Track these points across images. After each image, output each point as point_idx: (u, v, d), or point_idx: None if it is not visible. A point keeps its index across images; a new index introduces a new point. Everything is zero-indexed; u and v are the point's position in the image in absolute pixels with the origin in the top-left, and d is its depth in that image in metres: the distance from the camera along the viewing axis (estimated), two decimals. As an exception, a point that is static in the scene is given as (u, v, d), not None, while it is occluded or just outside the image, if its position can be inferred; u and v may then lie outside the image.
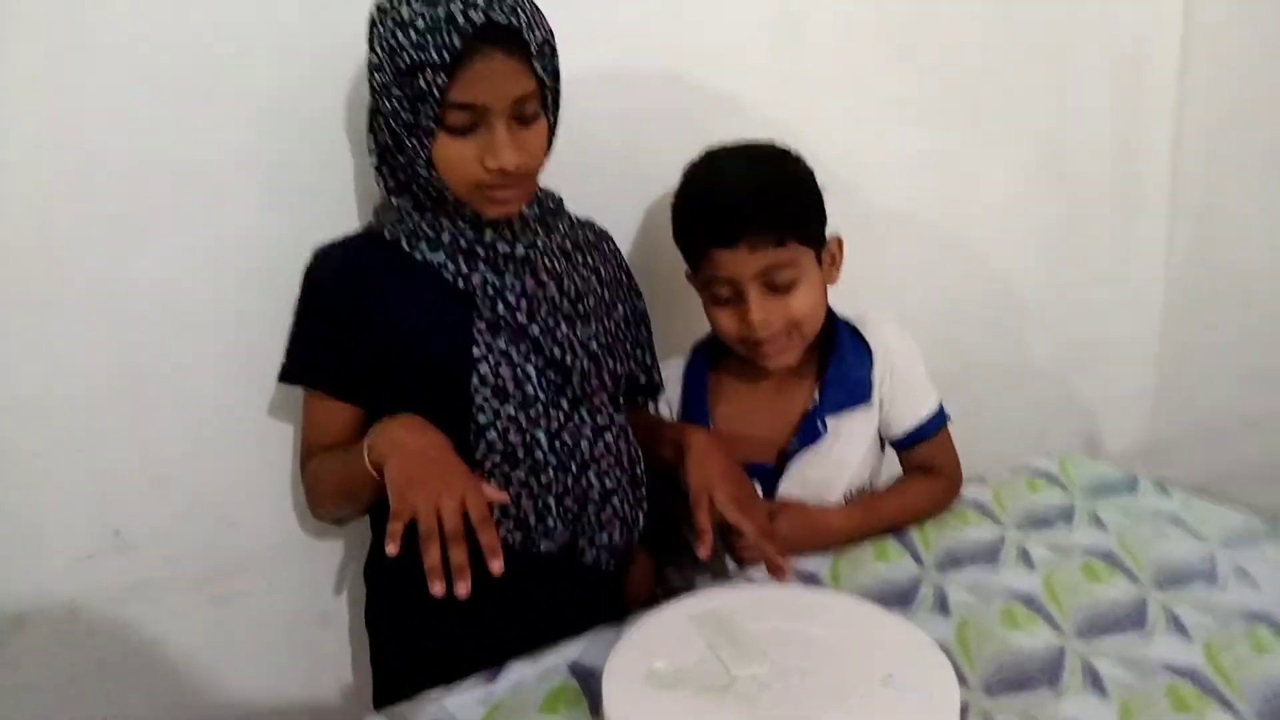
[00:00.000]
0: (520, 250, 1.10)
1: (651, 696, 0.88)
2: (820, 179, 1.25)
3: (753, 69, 1.52)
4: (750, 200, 1.19)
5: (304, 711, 1.25)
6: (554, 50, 1.07)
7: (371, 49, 1.04)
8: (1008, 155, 1.90)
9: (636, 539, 1.18)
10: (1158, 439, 2.22)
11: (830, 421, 1.28)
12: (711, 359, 1.35)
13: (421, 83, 0.99)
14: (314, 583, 1.28)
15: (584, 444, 1.12)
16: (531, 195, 1.13)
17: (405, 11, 0.99)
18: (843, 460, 1.30)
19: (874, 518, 1.28)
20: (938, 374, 1.36)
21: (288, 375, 1.12)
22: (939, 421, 1.35)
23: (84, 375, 1.10)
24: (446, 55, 0.98)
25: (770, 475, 1.29)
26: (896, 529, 1.29)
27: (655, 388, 1.31)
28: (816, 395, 1.29)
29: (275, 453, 1.21)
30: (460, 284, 1.08)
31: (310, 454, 1.13)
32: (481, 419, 1.07)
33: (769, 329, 1.21)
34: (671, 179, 1.27)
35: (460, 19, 0.98)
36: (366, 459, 0.99)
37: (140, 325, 1.12)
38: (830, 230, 1.27)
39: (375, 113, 1.07)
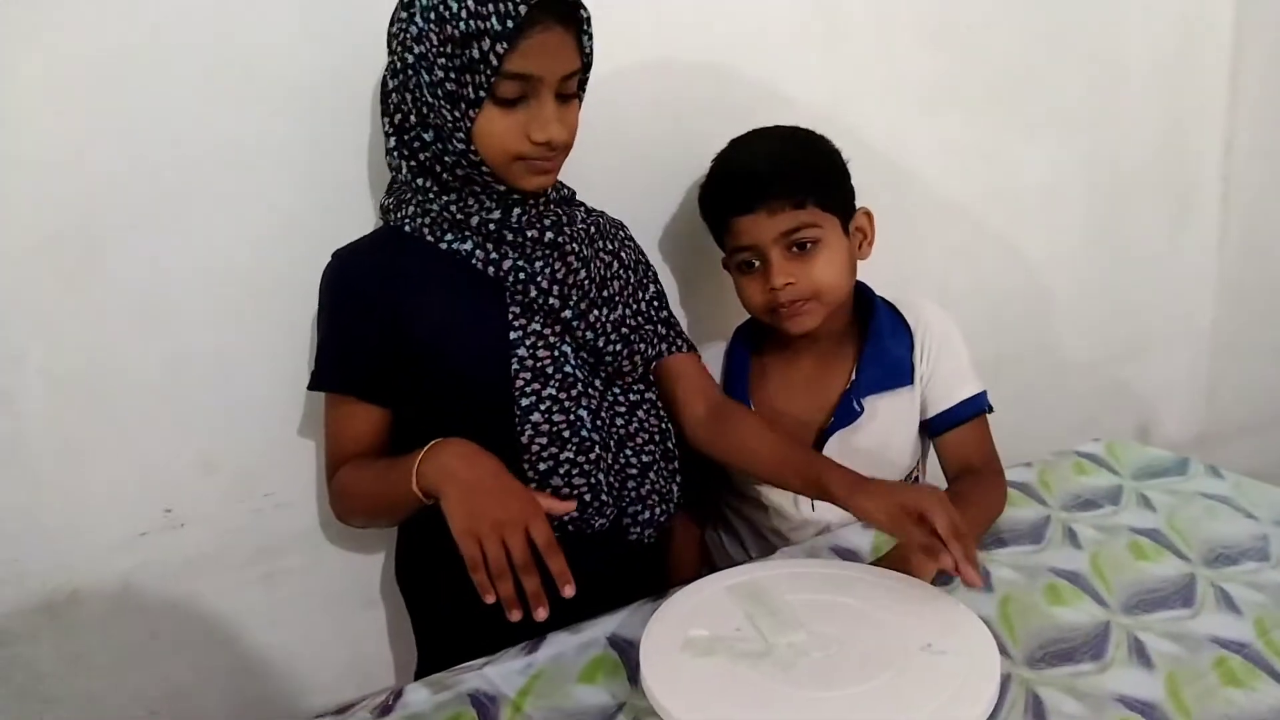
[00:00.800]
0: (549, 235, 1.11)
1: (688, 663, 0.88)
2: (861, 165, 1.26)
3: (790, 57, 1.52)
4: (767, 166, 1.23)
5: (348, 687, 1.27)
6: (592, 39, 1.07)
7: (407, 22, 1.02)
8: (1054, 143, 1.88)
9: (673, 511, 1.18)
10: (1211, 429, 2.18)
11: (867, 402, 1.27)
12: (752, 342, 1.36)
13: (476, 51, 0.98)
14: (359, 561, 1.30)
15: (619, 421, 1.14)
16: (558, 170, 1.12)
17: None
18: (882, 442, 1.29)
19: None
20: (983, 362, 1.34)
21: (318, 383, 1.11)
22: (977, 407, 1.30)
23: (133, 360, 1.13)
24: (510, 23, 0.96)
25: None
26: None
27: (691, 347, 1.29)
28: (853, 375, 1.29)
29: (321, 435, 1.22)
30: (491, 271, 1.08)
31: (339, 460, 1.12)
32: (525, 402, 1.07)
33: (791, 292, 1.22)
34: (706, 169, 1.29)
35: None
36: (415, 485, 0.98)
37: (186, 311, 1.15)
38: (873, 214, 1.29)
39: (398, 89, 1.06)
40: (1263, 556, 1.13)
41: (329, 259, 1.11)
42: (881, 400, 1.28)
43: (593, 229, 1.19)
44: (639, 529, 1.14)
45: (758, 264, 1.24)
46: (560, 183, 1.19)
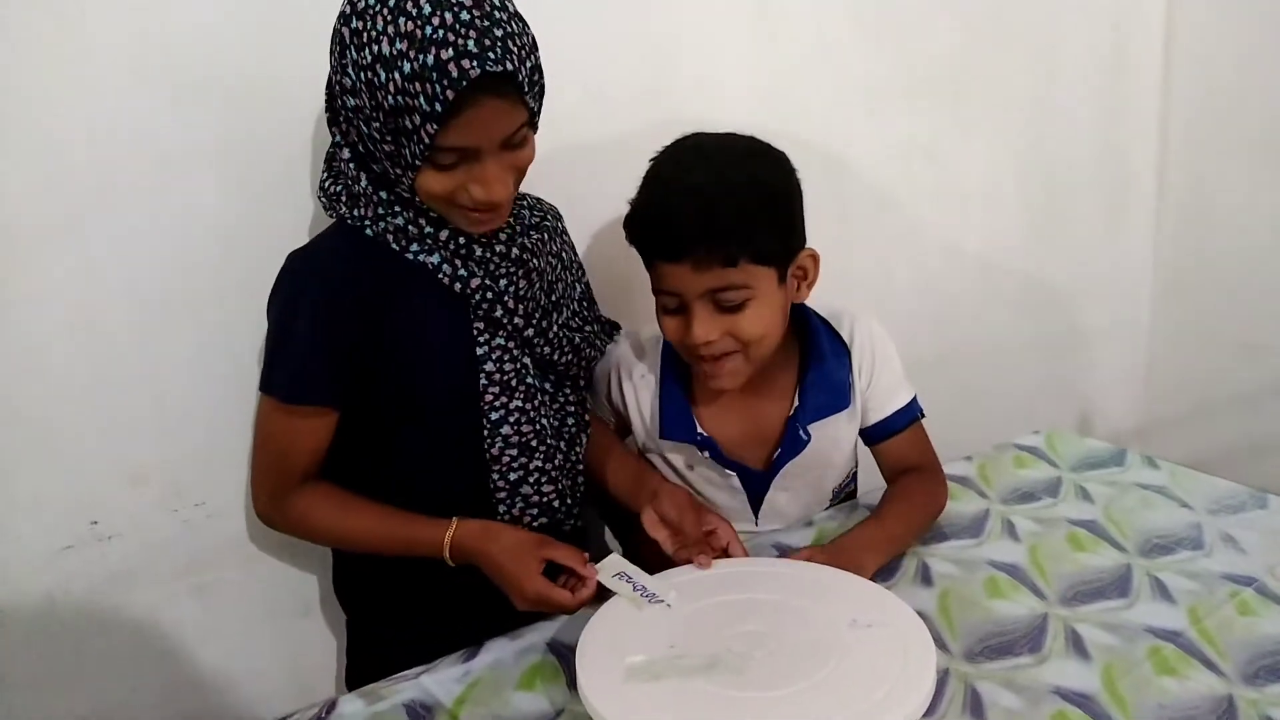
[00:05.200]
0: (514, 251, 1.08)
1: (643, 693, 0.84)
2: (799, 161, 1.15)
3: (727, 48, 1.52)
4: (700, 215, 1.06)
5: (287, 699, 1.24)
6: (541, 73, 1.00)
7: (341, 71, 0.96)
8: (989, 139, 1.89)
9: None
10: (1149, 419, 2.22)
11: (813, 428, 1.22)
12: (684, 370, 1.24)
13: (408, 123, 0.92)
14: (293, 571, 1.27)
15: (570, 421, 1.16)
16: (510, 211, 1.08)
17: (387, 48, 0.90)
18: (824, 461, 1.27)
19: (898, 545, 1.16)
20: (924, 358, 1.34)
21: (285, 393, 1.05)
22: (911, 415, 1.27)
23: (58, 368, 1.09)
24: (438, 106, 0.91)
25: (759, 482, 1.25)
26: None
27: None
28: (796, 400, 1.22)
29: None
30: (458, 288, 1.05)
31: (292, 475, 1.07)
32: (494, 416, 1.07)
33: (711, 348, 1.11)
34: (643, 165, 1.19)
35: (454, 71, 0.90)
36: (448, 556, 1.05)
37: (113, 317, 1.11)
38: (814, 220, 1.17)
39: (346, 118, 1.00)
40: (1197, 545, 1.15)
41: (285, 260, 1.06)
42: (826, 425, 1.23)
43: (544, 234, 1.16)
44: (574, 522, 1.17)
45: (678, 310, 1.12)
46: None
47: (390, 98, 0.91)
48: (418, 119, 0.92)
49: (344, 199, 1.05)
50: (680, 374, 1.24)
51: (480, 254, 1.06)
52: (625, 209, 1.13)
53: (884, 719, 0.79)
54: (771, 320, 1.13)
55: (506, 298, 1.07)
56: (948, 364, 1.60)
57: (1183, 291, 2.16)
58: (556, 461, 1.12)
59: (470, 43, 0.90)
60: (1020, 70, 1.90)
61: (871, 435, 1.28)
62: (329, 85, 1.03)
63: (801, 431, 1.21)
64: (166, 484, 1.17)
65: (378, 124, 0.95)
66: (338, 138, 1.04)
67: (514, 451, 1.09)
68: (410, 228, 1.03)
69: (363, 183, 1.03)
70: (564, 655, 0.98)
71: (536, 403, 1.10)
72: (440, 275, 1.04)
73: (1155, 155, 2.16)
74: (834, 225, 1.25)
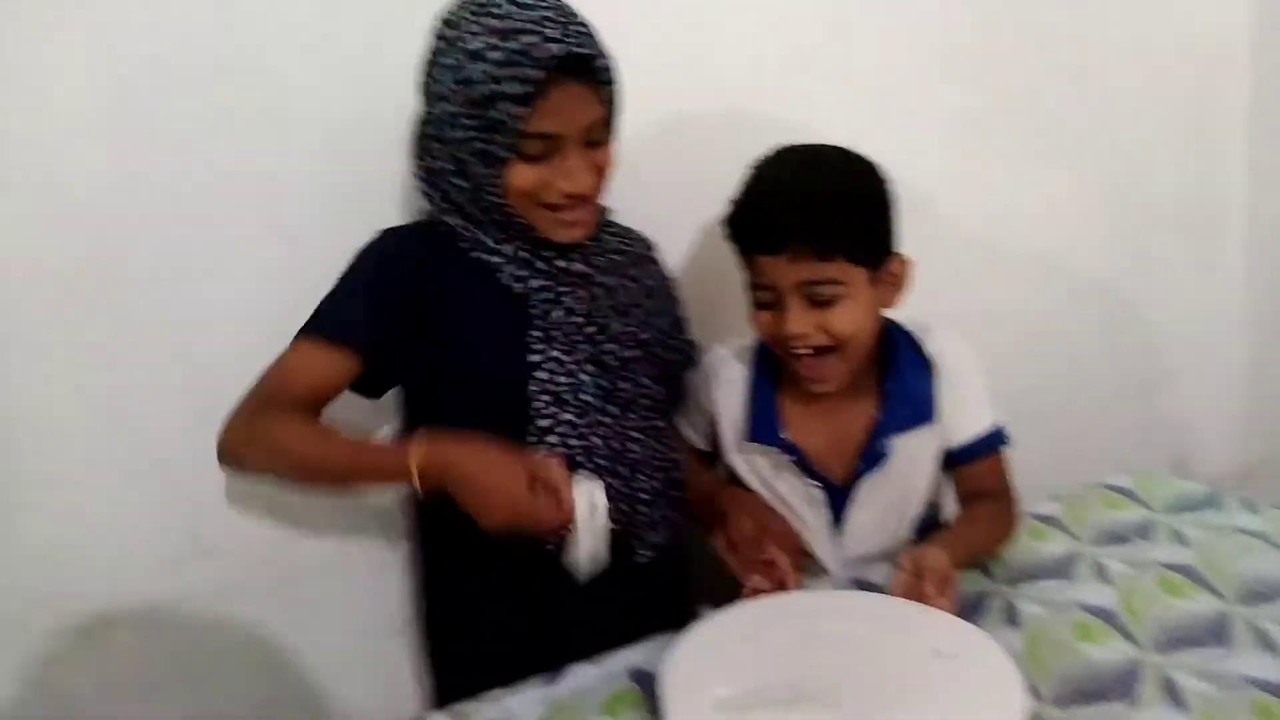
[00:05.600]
0: (578, 266, 1.13)
1: None
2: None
3: (802, 87, 1.53)
4: (797, 209, 1.12)
5: (376, 715, 1.27)
6: (616, 75, 1.08)
7: (433, 77, 1.04)
8: (1075, 172, 1.86)
9: (678, 538, 1.20)
10: (1248, 462, 2.14)
11: (895, 442, 1.22)
12: (772, 375, 1.28)
13: (496, 113, 1.00)
14: (386, 590, 1.30)
15: (633, 446, 1.15)
16: (597, 220, 1.14)
17: (476, 43, 0.99)
18: (906, 481, 1.25)
19: (968, 558, 1.17)
20: (1008, 392, 1.32)
21: (313, 328, 1.07)
22: (996, 441, 1.26)
23: (162, 393, 1.15)
24: (528, 87, 0.99)
25: (840, 497, 1.25)
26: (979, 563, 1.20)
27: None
28: (877, 414, 1.24)
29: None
30: (518, 289, 1.09)
31: (278, 402, 1.05)
32: (542, 423, 1.08)
33: (805, 341, 1.15)
34: (716, 187, 1.22)
35: (539, 54, 0.99)
36: (416, 478, 0.99)
37: (215, 344, 1.17)
38: (910, 262, 1.21)
39: (432, 137, 1.08)
40: (1300, 594, 1.11)
41: (376, 234, 1.12)
42: (908, 439, 1.23)
43: (621, 257, 1.20)
44: (645, 552, 1.15)
45: (775, 306, 1.17)
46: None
47: (481, 88, 0.99)
48: (508, 105, 0.99)
49: (434, 195, 1.12)
50: (771, 378, 1.26)
51: (543, 266, 1.10)
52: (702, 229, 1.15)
53: None
54: (863, 320, 1.17)
55: (565, 304, 1.10)
56: (1034, 399, 1.57)
57: (1279, 328, 2.09)
58: (609, 484, 1.08)
59: (553, 29, 1.00)
60: (1101, 104, 1.87)
61: (953, 458, 1.26)
62: (415, 128, 1.11)
63: (883, 445, 1.22)
64: (264, 503, 1.21)
65: (468, 121, 1.01)
66: (418, 170, 1.11)
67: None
68: (484, 239, 1.09)
69: (433, 206, 1.11)
70: (646, 683, 0.99)
71: (589, 420, 1.11)
72: (500, 275, 1.09)
73: (1246, 187, 2.10)
74: (921, 258, 1.25)
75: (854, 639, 0.96)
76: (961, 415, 1.25)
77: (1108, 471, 1.48)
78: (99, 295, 1.11)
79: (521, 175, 1.04)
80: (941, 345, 1.26)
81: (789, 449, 1.23)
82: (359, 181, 1.22)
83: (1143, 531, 1.28)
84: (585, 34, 1.03)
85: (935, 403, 1.24)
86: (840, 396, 1.24)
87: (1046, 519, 1.32)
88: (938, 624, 0.98)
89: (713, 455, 1.33)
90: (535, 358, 1.09)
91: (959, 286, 1.73)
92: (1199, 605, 1.09)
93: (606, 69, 1.06)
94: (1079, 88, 1.83)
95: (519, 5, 1.01)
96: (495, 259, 1.10)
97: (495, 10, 1.00)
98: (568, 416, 1.09)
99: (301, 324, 1.09)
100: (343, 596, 1.27)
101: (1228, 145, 2.06)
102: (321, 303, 1.10)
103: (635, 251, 1.24)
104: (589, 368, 1.12)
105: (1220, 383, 2.15)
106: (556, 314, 1.10)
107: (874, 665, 0.91)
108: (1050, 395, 1.85)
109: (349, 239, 1.18)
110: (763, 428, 1.25)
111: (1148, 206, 1.98)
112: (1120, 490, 1.40)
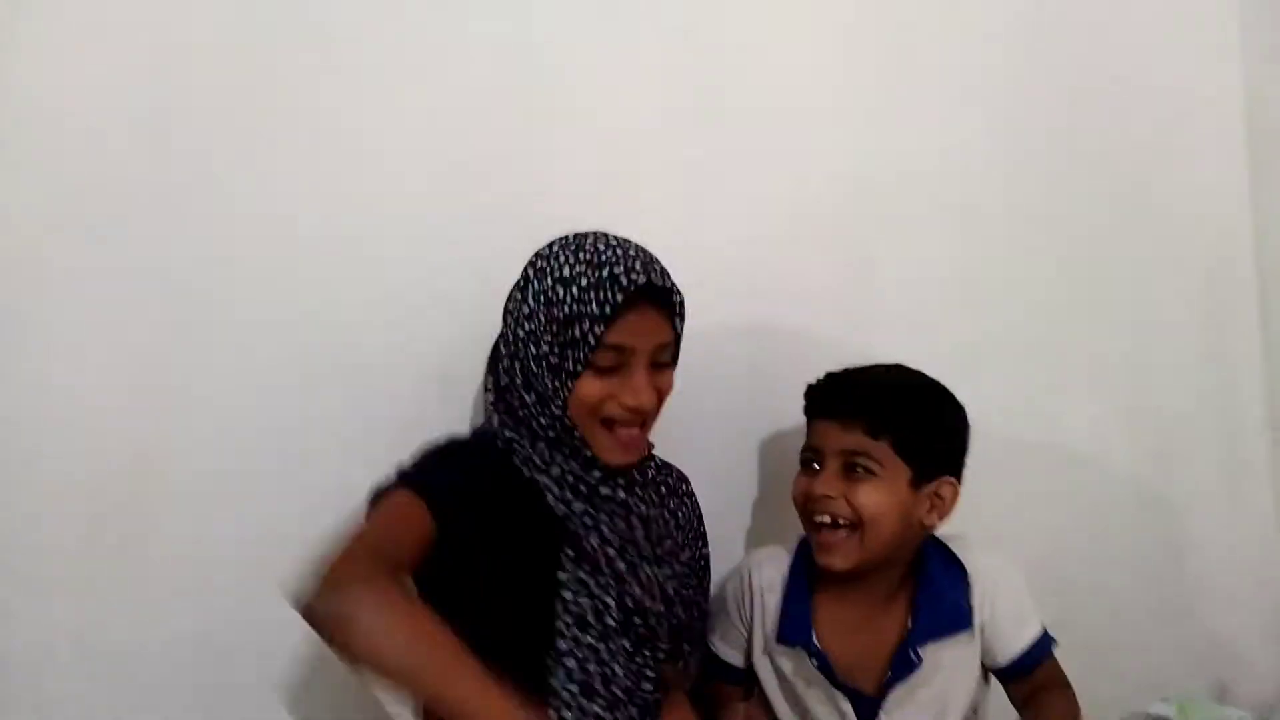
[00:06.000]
0: (620, 494, 1.16)
1: None
2: None
3: (818, 319, 1.59)
4: (865, 387, 1.26)
5: None
6: (684, 318, 1.19)
7: (522, 300, 1.15)
8: (1094, 396, 1.89)
9: None
10: (1294, 685, 2.04)
11: (926, 651, 1.23)
12: (810, 579, 1.31)
13: (577, 331, 1.10)
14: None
15: (645, 685, 1.13)
16: (646, 448, 1.19)
17: (568, 271, 1.12)
18: (943, 692, 1.26)
19: None
20: (1045, 618, 1.33)
21: (418, 482, 1.07)
22: (1047, 644, 1.32)
23: (167, 635, 1.16)
24: (609, 309, 1.09)
25: (871, 709, 1.26)
26: None
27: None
28: (909, 622, 1.26)
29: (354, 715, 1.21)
30: (560, 509, 1.11)
31: (382, 559, 0.96)
32: (562, 645, 1.08)
33: (828, 506, 1.23)
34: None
35: (624, 280, 1.10)
36: None
37: (226, 589, 1.18)
38: (958, 490, 1.30)
39: (509, 356, 1.17)
40: (1360, 830, 1.04)
41: (443, 439, 1.16)
42: (943, 649, 1.26)
43: (662, 488, 1.25)
44: None
45: (815, 468, 1.26)
46: None
47: (565, 308, 1.10)
48: (588, 324, 1.09)
49: (494, 413, 1.18)
50: (809, 582, 1.30)
51: (586, 491, 1.13)
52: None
53: None
54: (888, 509, 1.22)
55: (603, 528, 1.12)
56: (1066, 626, 1.53)
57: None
58: (618, 715, 1.08)
59: (638, 264, 1.12)
60: (1115, 328, 1.92)
61: (1009, 672, 1.31)
62: (494, 350, 1.21)
63: (914, 653, 1.23)
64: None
65: (549, 338, 1.11)
66: (489, 384, 1.19)
67: (574, 688, 1.06)
68: (534, 460, 1.13)
69: (494, 423, 1.17)
70: None
71: (611, 647, 1.09)
72: (547, 495, 1.11)
73: (1265, 407, 2.11)
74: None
75: None
76: (1011, 628, 1.30)
77: (1146, 698, 1.41)
78: (117, 529, 1.12)
79: (589, 386, 1.12)
80: (977, 556, 1.32)
81: (816, 654, 1.25)
82: (386, 424, 1.25)
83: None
84: (664, 271, 1.16)
85: (972, 611, 1.28)
86: (875, 606, 1.28)
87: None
88: None
89: (744, 676, 1.32)
90: (564, 576, 1.09)
91: (977, 519, 1.73)
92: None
93: (680, 303, 1.17)
94: (1087, 311, 1.88)
95: (609, 245, 1.14)
96: (542, 478, 1.13)
97: (588, 246, 1.13)
98: (589, 640, 1.09)
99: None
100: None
101: (1244, 358, 2.08)
102: (415, 467, 1.12)
103: (669, 484, 1.28)
104: (615, 595, 1.11)
105: (1260, 601, 2.09)
106: (593, 540, 1.11)
107: None
108: (1083, 621, 1.79)
109: (369, 480, 1.20)
110: (793, 629, 1.28)
111: (1168, 428, 1.98)
112: (1161, 719, 1.34)
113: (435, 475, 1.11)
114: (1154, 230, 1.96)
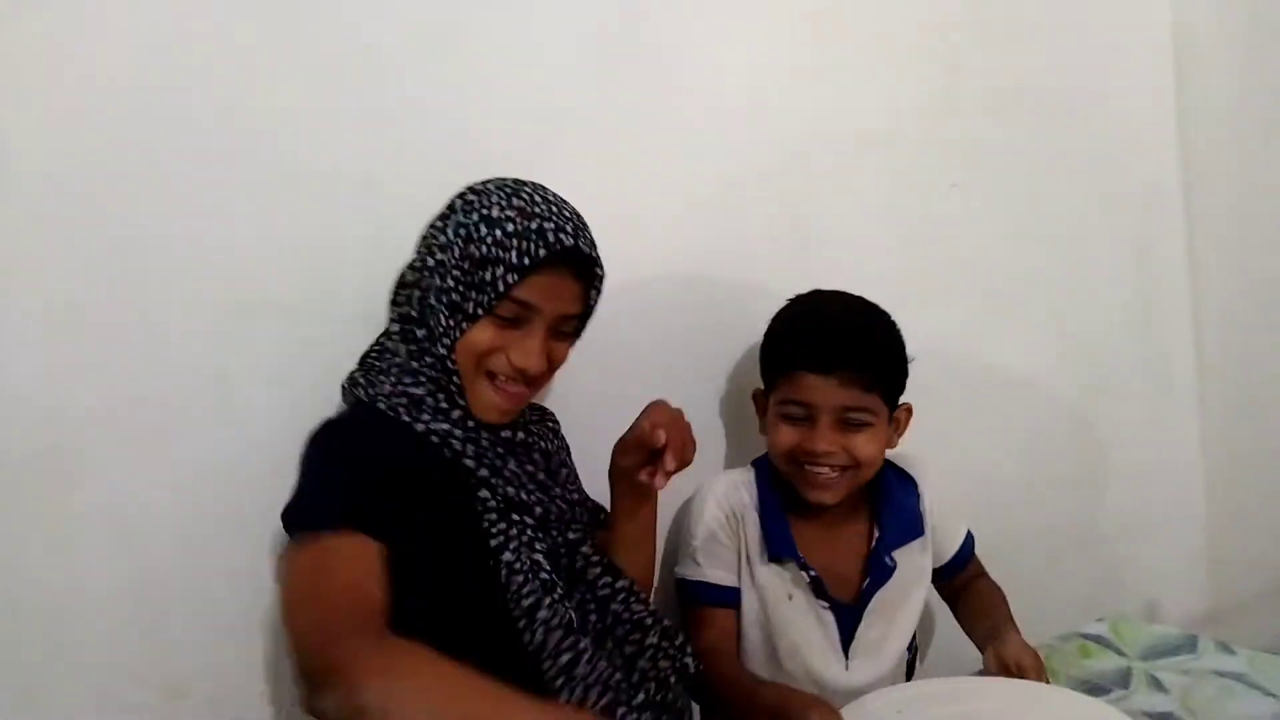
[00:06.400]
0: (519, 435, 1.13)
1: None
2: None
3: (761, 255, 1.57)
4: (858, 339, 1.26)
5: None
6: (599, 295, 1.13)
7: (441, 229, 1.08)
8: (1028, 328, 1.91)
9: (673, 695, 1.14)
10: (1218, 604, 2.12)
11: (895, 556, 1.32)
12: (780, 498, 1.34)
13: (488, 275, 1.04)
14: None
15: (590, 616, 1.11)
16: (521, 410, 1.14)
17: (497, 212, 1.05)
18: (909, 597, 1.35)
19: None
20: (977, 545, 1.42)
21: (322, 520, 0.94)
22: (972, 542, 1.43)
23: (98, 584, 1.10)
24: (527, 261, 1.03)
25: (849, 617, 1.31)
26: None
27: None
28: (876, 531, 1.33)
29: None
30: (471, 464, 1.06)
31: (359, 616, 0.86)
32: (526, 602, 1.03)
33: (829, 460, 1.25)
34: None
35: (551, 237, 1.04)
36: None
37: (156, 531, 1.13)
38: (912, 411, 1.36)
39: (413, 284, 1.11)
40: (1285, 736, 1.07)
41: (317, 427, 1.06)
42: (902, 554, 1.33)
43: (542, 426, 1.22)
44: (637, 716, 1.08)
45: (804, 422, 1.26)
46: None
47: (483, 248, 1.03)
48: (501, 270, 1.03)
49: (361, 382, 1.10)
50: (778, 502, 1.33)
51: (487, 439, 1.08)
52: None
53: None
54: (879, 450, 1.29)
55: (517, 478, 1.09)
56: (1001, 555, 1.56)
57: (1237, 470, 2.11)
58: (597, 653, 1.06)
59: (570, 226, 1.07)
60: (1048, 261, 1.93)
61: (943, 571, 1.41)
62: (402, 272, 1.14)
63: (887, 558, 1.31)
64: (205, 699, 1.14)
65: (458, 274, 1.05)
66: (393, 314, 1.14)
67: (559, 634, 1.03)
68: (428, 399, 1.07)
69: (401, 354, 1.11)
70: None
71: (558, 594, 1.06)
72: (451, 442, 1.05)
73: (1191, 334, 2.16)
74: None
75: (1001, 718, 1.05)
76: (949, 532, 1.41)
77: (1079, 619, 1.45)
78: (37, 487, 1.07)
79: (482, 333, 1.06)
80: (919, 468, 1.40)
81: (806, 567, 1.29)
82: (312, 365, 1.20)
83: (1121, 680, 1.25)
84: (593, 242, 1.10)
85: (924, 516, 1.37)
86: (839, 518, 1.34)
87: (1022, 673, 1.28)
88: (1081, 708, 1.06)
89: (738, 597, 1.32)
90: (496, 540, 1.05)
91: (917, 441, 1.75)
92: (1185, 755, 1.05)
93: (600, 279, 1.11)
94: (1019, 248, 1.89)
95: (546, 200, 1.08)
96: (441, 426, 1.06)
97: (525, 195, 1.07)
98: (534, 591, 1.05)
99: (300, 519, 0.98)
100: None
101: (1172, 294, 2.13)
102: (310, 496, 0.99)
103: (549, 425, 1.25)
104: (543, 541, 1.09)
105: (1185, 525, 2.15)
106: (510, 490, 1.08)
107: None
108: (1015, 548, 1.83)
109: (298, 421, 1.16)
110: (782, 545, 1.31)
111: (1098, 358, 2.02)
112: (1095, 639, 1.38)
113: (356, 493, 0.97)
114: (1086, 163, 1.97)
